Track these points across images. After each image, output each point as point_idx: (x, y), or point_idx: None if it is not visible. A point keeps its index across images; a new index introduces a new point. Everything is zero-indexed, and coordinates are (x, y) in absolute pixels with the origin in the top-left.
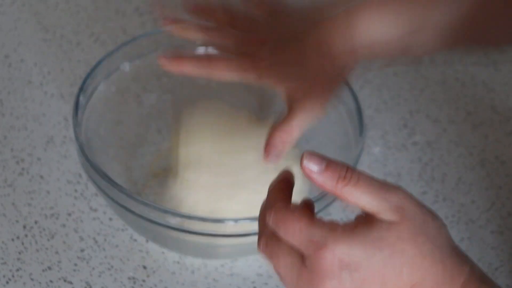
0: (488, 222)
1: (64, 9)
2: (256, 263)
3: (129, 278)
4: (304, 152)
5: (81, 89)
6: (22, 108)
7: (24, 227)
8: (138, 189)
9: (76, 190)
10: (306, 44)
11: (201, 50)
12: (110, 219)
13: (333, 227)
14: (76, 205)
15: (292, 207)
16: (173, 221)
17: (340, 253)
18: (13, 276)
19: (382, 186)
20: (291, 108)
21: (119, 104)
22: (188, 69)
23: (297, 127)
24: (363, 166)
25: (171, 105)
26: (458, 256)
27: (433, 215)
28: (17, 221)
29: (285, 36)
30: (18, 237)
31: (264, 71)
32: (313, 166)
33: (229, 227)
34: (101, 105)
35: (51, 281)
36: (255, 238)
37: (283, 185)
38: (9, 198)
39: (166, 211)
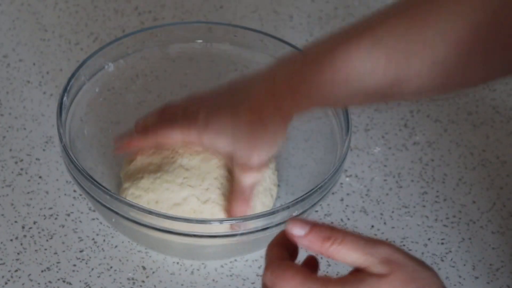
0: (489, 223)
1: (63, 8)
2: (255, 264)
3: (128, 279)
4: (289, 219)
5: (65, 89)
6: (20, 108)
7: (23, 227)
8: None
9: (75, 191)
10: (238, 111)
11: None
12: None
13: (325, 282)
14: (75, 206)
15: (288, 265)
16: (157, 222)
17: None
18: (11, 276)
19: (368, 241)
20: (235, 176)
21: (103, 104)
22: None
23: (246, 190)
24: (364, 166)
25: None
26: None
27: (424, 265)
28: (15, 222)
29: (220, 102)
30: (17, 238)
31: (204, 141)
32: (297, 231)
33: (214, 228)
34: (86, 105)
35: (50, 282)
36: (241, 238)
37: (280, 241)
38: (8, 199)
39: (150, 212)
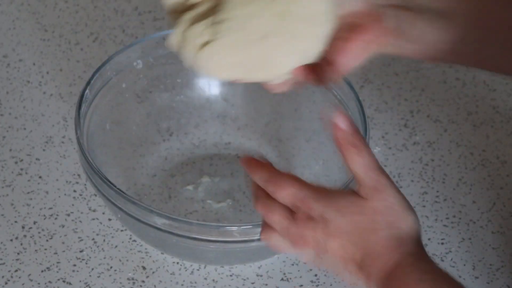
0: (489, 223)
1: (63, 8)
2: (255, 264)
3: (128, 279)
4: (337, 113)
5: (88, 83)
6: (20, 108)
7: (23, 227)
8: (138, 189)
9: (75, 191)
10: None
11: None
12: (109, 219)
13: (317, 191)
14: (75, 206)
15: (283, 175)
16: (160, 221)
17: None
18: (11, 277)
19: (378, 166)
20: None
21: (129, 100)
22: None
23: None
24: None
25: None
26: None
27: (407, 213)
28: (15, 222)
29: None
30: (17, 238)
31: None
32: (342, 124)
33: (214, 232)
34: (110, 100)
35: (50, 282)
36: (241, 245)
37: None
38: (8, 199)
39: (152, 211)
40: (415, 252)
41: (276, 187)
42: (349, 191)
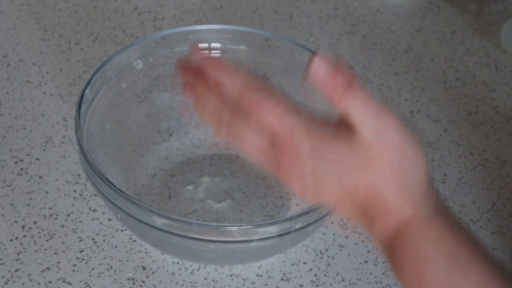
0: (489, 223)
1: (63, 8)
2: (255, 264)
3: (128, 279)
4: (314, 56)
5: (88, 83)
6: (20, 108)
7: (23, 227)
8: (138, 189)
9: (75, 191)
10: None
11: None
12: (109, 219)
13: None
14: (75, 206)
15: (269, 92)
16: (160, 221)
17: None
18: (11, 277)
19: (378, 106)
20: None
21: (129, 100)
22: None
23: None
24: None
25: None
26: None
27: (414, 148)
28: (15, 222)
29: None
30: (17, 238)
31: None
32: (325, 68)
33: (214, 232)
34: (110, 100)
35: (50, 282)
36: (241, 245)
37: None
38: (8, 199)
39: (152, 211)
40: (426, 207)
41: (258, 108)
42: (352, 134)
